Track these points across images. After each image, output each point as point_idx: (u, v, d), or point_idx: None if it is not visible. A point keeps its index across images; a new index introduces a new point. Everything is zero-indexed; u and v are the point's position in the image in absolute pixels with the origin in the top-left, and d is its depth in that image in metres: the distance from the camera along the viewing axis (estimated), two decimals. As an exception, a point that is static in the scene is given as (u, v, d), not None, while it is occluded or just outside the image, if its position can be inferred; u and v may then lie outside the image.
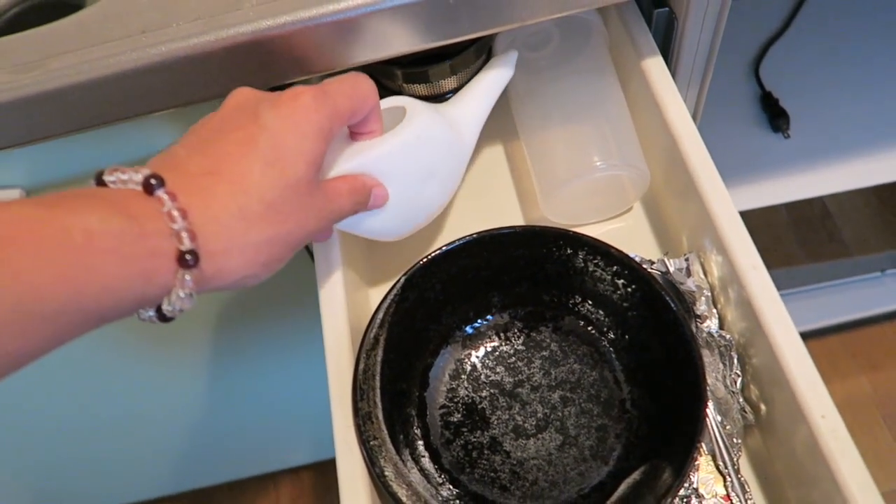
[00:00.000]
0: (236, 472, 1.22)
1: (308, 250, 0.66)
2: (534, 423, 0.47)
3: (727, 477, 0.44)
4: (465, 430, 0.47)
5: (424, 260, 0.47)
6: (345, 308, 0.46)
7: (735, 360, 0.46)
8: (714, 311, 0.48)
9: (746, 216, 0.46)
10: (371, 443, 0.42)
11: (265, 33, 0.41)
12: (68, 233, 0.29)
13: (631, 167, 0.52)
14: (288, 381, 1.01)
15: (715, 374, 0.47)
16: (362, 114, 0.41)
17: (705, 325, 0.48)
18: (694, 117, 0.61)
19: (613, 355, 0.48)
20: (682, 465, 0.40)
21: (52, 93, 0.41)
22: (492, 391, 0.48)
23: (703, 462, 0.45)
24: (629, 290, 0.47)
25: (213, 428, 1.05)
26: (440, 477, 0.45)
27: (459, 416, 0.48)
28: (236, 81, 0.40)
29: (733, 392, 0.46)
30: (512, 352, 0.50)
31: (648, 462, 0.44)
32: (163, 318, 0.33)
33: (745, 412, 0.46)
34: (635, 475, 0.44)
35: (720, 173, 0.47)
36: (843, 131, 0.94)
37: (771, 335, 0.42)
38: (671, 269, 0.50)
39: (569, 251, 0.48)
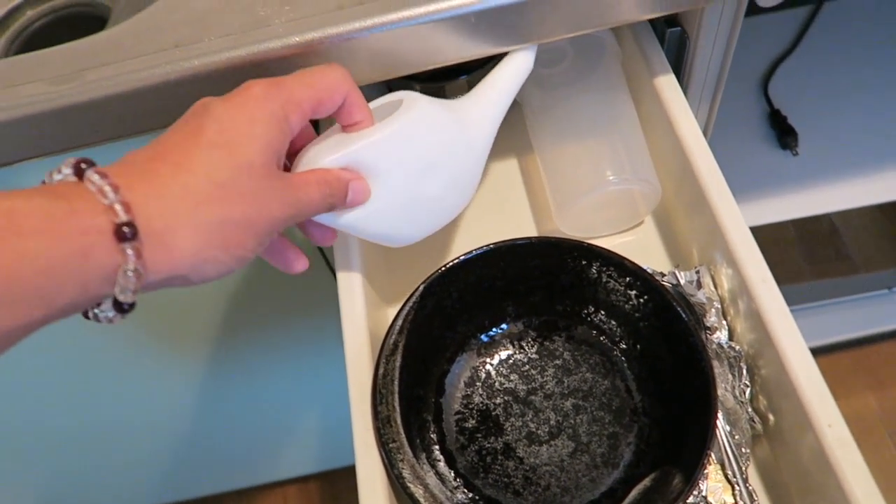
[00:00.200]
0: (245, 481, 1.23)
1: (328, 263, 0.68)
2: (547, 430, 0.48)
3: (736, 486, 0.45)
4: (479, 435, 0.48)
5: (443, 268, 0.48)
6: (364, 315, 0.47)
7: (744, 371, 0.47)
8: (724, 322, 0.49)
9: (754, 232, 0.47)
10: (390, 445, 0.43)
11: (293, 49, 0.42)
12: None
13: (643, 182, 0.53)
14: (297, 391, 1.01)
15: (724, 384, 0.47)
16: (332, 103, 0.39)
17: (715, 336, 0.49)
18: (704, 134, 0.62)
19: (625, 364, 0.50)
20: (693, 471, 0.41)
21: (88, 103, 0.42)
22: (506, 398, 0.49)
23: (713, 471, 0.46)
24: (641, 300, 0.48)
25: (222, 436, 1.06)
26: (455, 481, 0.46)
27: (474, 421, 0.49)
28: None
29: (742, 402, 0.47)
30: (526, 360, 0.51)
31: (659, 469, 0.45)
32: (120, 308, 0.32)
33: (754, 422, 0.47)
34: (646, 482, 0.45)
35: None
36: (850, 149, 0.95)
37: (779, 346, 0.42)
38: (682, 282, 0.51)
39: (583, 262, 0.49)
